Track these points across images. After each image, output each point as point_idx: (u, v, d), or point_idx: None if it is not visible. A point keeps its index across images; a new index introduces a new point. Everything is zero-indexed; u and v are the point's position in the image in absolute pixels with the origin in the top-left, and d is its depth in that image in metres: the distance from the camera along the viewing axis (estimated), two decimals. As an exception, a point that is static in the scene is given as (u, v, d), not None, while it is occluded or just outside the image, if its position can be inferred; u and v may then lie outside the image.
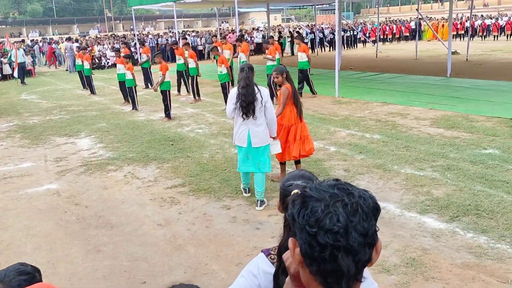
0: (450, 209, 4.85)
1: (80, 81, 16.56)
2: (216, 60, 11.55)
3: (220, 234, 4.68)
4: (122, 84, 12.70)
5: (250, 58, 15.11)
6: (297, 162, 6.10)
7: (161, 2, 19.54)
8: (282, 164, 6.08)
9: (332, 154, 7.08)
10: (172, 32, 32.42)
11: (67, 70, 24.68)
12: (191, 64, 13.08)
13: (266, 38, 18.77)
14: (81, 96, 15.01)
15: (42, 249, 4.57)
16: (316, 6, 29.39)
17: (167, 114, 10.41)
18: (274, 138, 5.44)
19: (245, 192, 5.65)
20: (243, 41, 14.00)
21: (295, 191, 1.70)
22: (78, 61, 16.08)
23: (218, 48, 12.61)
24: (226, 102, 11.03)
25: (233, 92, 5.15)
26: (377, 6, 27.63)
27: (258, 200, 5.30)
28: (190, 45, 14.95)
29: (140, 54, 18.67)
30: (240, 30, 26.25)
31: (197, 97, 12.99)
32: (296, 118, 5.87)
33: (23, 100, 14.75)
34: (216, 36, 19.43)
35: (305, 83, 12.15)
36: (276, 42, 14.03)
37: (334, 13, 49.73)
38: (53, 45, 28.80)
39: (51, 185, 6.46)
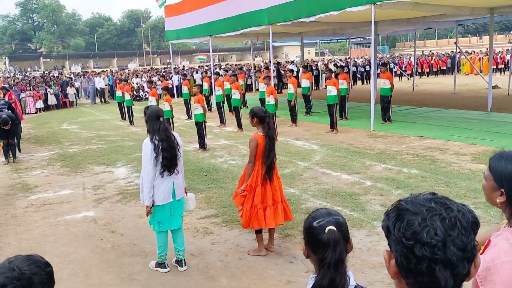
0: (494, 248, 4.61)
1: (119, 112, 17.09)
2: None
3: (253, 267, 4.61)
4: None
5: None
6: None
7: (197, 37, 20.14)
8: (258, 233, 4.86)
9: (368, 188, 6.94)
10: (208, 66, 33.15)
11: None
12: (236, 95, 13.32)
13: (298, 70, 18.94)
14: (119, 126, 15.43)
15: (78, 276, 4.62)
16: (351, 40, 29.57)
17: (202, 145, 10.53)
18: (186, 191, 4.78)
19: (166, 267, 4.64)
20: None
21: (330, 227, 1.63)
22: (119, 93, 16.61)
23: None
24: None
25: (149, 145, 4.33)
26: (413, 39, 27.53)
27: (182, 260, 4.66)
28: (237, 77, 15.09)
29: (182, 86, 18.96)
30: (278, 63, 26.56)
31: (239, 128, 13.10)
32: (262, 178, 4.69)
33: (64, 130, 15.28)
34: (267, 69, 19.12)
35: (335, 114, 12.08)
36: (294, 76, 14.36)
37: (369, 47, 49.95)
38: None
39: (88, 213, 6.58)
